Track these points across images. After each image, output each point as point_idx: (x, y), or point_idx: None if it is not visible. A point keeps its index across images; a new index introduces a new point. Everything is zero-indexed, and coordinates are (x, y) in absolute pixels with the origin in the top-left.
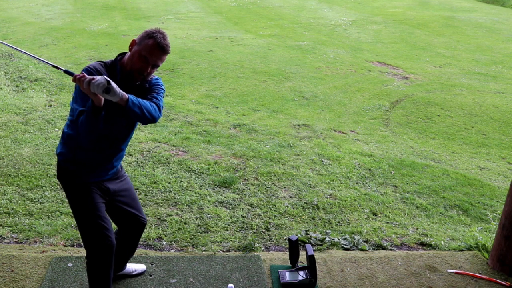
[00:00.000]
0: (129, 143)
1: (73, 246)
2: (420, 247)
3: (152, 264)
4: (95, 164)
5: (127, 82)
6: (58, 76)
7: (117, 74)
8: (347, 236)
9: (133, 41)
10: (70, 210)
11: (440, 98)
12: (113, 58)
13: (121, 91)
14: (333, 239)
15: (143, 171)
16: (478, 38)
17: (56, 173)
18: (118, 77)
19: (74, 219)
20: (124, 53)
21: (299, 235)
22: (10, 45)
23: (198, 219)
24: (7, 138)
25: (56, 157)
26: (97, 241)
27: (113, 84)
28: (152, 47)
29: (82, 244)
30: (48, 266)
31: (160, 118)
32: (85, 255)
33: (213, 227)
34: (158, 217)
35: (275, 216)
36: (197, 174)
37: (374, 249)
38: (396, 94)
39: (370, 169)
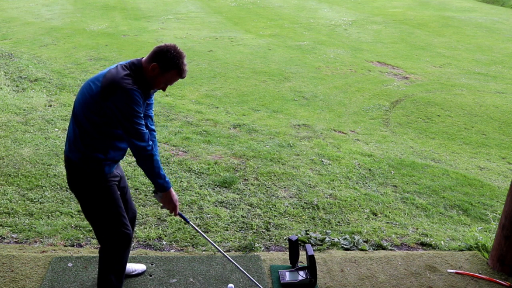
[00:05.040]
0: None
1: (73, 246)
2: (420, 247)
3: (152, 264)
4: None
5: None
6: (58, 76)
7: (147, 87)
8: (347, 236)
9: (155, 65)
10: (70, 210)
11: (440, 98)
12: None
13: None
14: (333, 239)
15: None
16: (478, 38)
17: (55, 173)
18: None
19: (87, 213)
20: (139, 60)
21: (299, 235)
22: None
23: (198, 219)
24: (7, 138)
25: (67, 157)
26: (119, 231)
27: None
28: (175, 78)
29: (81, 244)
30: (48, 266)
31: (160, 118)
32: (98, 249)
33: (213, 227)
34: (158, 217)
35: (275, 216)
36: (197, 174)
37: (374, 249)
38: (396, 94)
39: (370, 169)
